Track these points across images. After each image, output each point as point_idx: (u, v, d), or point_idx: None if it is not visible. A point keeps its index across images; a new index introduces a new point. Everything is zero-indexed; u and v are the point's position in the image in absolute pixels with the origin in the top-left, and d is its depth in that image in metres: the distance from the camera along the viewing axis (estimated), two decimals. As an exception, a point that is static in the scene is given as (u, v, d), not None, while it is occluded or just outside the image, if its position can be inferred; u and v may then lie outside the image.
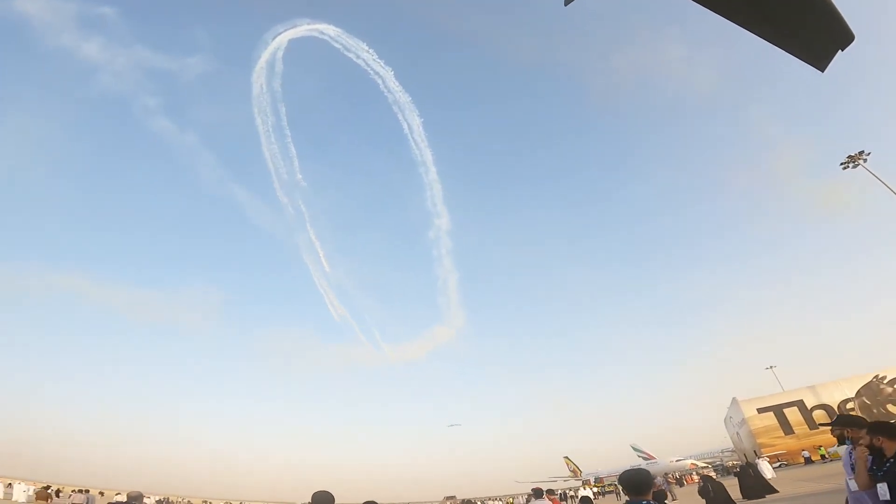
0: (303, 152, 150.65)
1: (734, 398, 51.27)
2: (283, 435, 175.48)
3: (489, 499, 66.04)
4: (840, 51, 1.99)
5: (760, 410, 46.87)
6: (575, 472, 72.84)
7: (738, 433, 54.10)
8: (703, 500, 10.22)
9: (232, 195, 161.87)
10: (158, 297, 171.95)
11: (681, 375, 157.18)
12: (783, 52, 2.05)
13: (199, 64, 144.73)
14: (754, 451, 46.12)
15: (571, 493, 45.47)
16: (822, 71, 2.09)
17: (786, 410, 45.68)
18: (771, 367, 55.13)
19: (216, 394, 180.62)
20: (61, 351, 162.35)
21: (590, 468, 74.09)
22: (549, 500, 7.53)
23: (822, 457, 34.51)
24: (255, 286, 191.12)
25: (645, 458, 66.02)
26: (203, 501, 45.46)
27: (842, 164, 29.10)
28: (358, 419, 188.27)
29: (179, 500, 44.93)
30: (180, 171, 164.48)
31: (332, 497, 3.10)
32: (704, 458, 65.61)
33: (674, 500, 23.95)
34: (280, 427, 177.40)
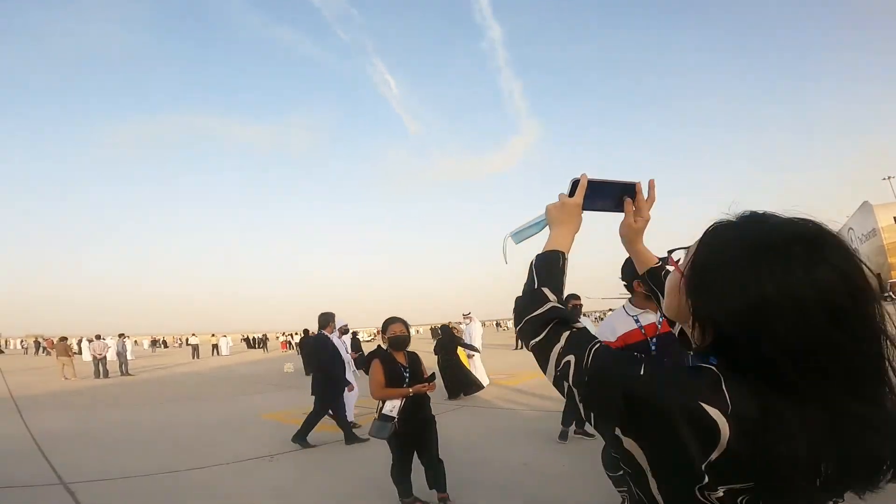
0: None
1: (865, 202, 37.88)
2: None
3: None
4: None
5: (901, 219, 34.45)
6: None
7: (857, 249, 43.19)
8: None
9: (287, 36, 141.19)
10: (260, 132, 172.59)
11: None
12: None
13: None
14: (878, 275, 36.11)
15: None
16: None
17: (935, 222, 33.22)
18: (889, 177, 38.62)
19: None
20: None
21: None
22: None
23: None
24: (339, 121, 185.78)
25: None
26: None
27: None
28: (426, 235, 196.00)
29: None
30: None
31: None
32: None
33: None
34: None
